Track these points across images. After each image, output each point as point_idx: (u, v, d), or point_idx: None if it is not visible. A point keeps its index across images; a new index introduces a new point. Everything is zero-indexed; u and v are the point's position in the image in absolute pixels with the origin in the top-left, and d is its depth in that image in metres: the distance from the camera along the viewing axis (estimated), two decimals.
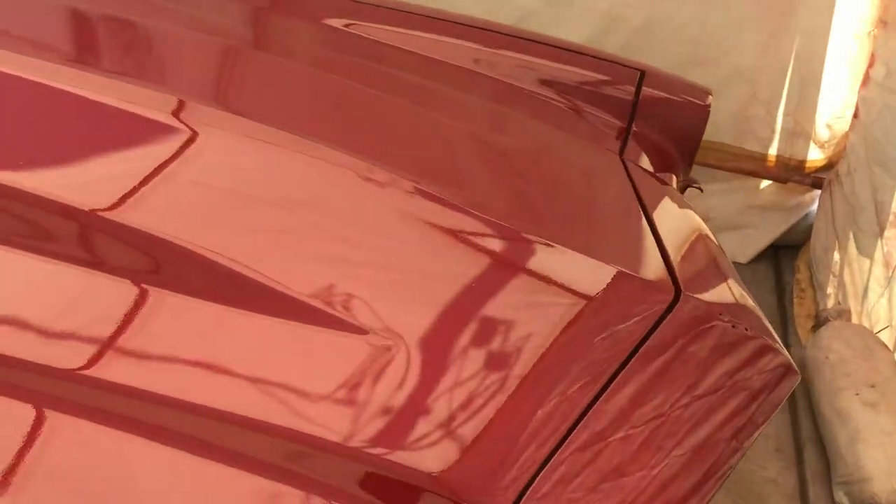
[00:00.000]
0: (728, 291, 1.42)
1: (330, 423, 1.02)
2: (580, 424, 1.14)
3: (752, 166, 2.80)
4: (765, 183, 2.84)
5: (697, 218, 1.63)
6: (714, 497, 2.24)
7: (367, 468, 0.99)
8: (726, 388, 1.26)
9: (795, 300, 2.75)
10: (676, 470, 1.18)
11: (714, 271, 1.46)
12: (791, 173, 2.77)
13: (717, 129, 2.77)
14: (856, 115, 2.58)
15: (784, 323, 2.71)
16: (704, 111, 1.89)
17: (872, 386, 2.24)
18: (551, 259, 1.31)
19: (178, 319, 1.08)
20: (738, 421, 1.25)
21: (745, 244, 2.91)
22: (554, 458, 1.10)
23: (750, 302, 1.42)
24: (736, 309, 1.36)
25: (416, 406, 1.12)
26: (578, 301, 1.27)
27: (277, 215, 1.27)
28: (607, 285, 1.30)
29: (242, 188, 1.29)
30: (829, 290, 2.67)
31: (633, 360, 1.21)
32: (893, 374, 2.27)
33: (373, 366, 1.09)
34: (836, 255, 2.67)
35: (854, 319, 2.52)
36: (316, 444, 0.99)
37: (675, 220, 1.59)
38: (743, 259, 2.91)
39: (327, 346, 1.10)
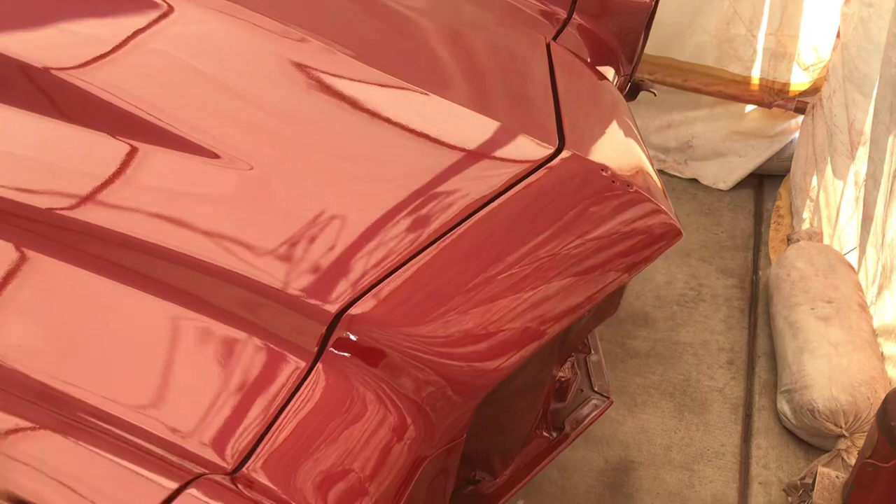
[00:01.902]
0: (624, 156, 1.43)
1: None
2: (432, 247, 1.18)
3: (735, 90, 2.76)
4: (749, 108, 2.80)
5: (621, 104, 1.64)
6: (657, 401, 2.26)
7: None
8: (600, 236, 1.29)
9: (772, 225, 2.72)
10: (537, 299, 1.21)
11: (614, 140, 1.48)
12: (775, 97, 2.72)
13: (701, 52, 2.75)
14: (838, 36, 2.52)
15: (757, 247, 2.68)
16: (646, 6, 1.89)
17: (829, 302, 2.21)
18: (428, 107, 1.35)
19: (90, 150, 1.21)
20: (606, 265, 1.27)
21: (728, 171, 2.87)
22: (401, 269, 1.15)
23: (648, 170, 1.43)
24: (625, 169, 1.38)
25: (271, 222, 1.19)
26: (448, 144, 1.31)
27: (202, 80, 1.37)
28: (483, 135, 1.34)
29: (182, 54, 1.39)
30: (806, 214, 2.63)
31: (500, 198, 1.24)
32: (852, 291, 2.24)
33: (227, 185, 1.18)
34: (814, 180, 2.63)
35: (826, 241, 2.49)
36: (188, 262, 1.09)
37: (586, 96, 1.60)
38: (725, 186, 2.88)
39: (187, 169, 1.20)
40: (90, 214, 1.15)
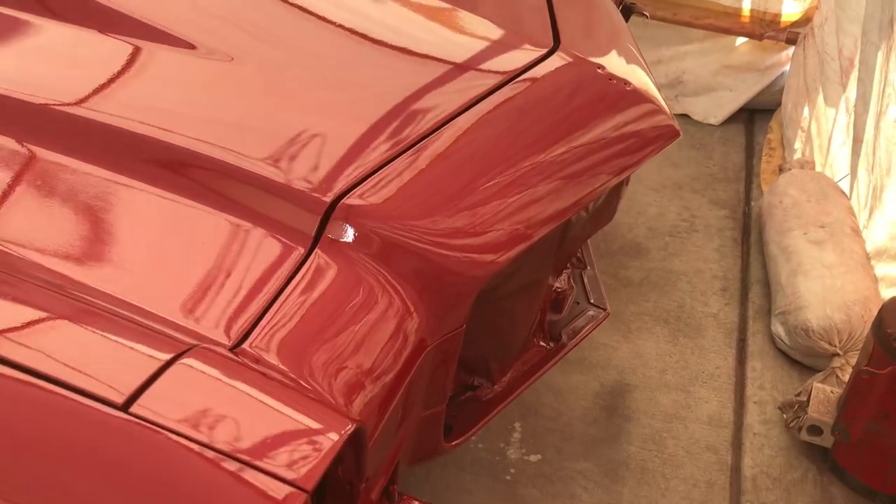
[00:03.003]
0: (620, 57, 1.41)
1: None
2: (426, 140, 1.17)
3: (726, 23, 2.74)
4: (739, 41, 2.78)
5: (615, 13, 1.61)
6: (653, 327, 2.25)
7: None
8: (599, 133, 1.28)
9: (764, 157, 2.71)
10: (534, 195, 1.20)
11: (610, 42, 1.46)
12: (766, 28, 2.70)
13: None
14: None
15: (749, 179, 2.68)
16: None
17: (822, 226, 2.21)
18: (420, 8, 1.33)
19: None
20: (603, 160, 1.26)
21: (719, 105, 2.86)
22: (395, 160, 1.14)
23: (645, 71, 1.41)
24: (621, 69, 1.36)
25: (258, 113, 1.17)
26: (441, 43, 1.30)
27: None
28: (476, 34, 1.32)
29: None
30: (797, 145, 2.62)
31: (494, 95, 1.23)
32: (845, 216, 2.24)
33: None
34: (805, 110, 2.61)
35: (818, 170, 2.49)
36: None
37: (581, 5, 1.58)
38: (715, 121, 2.87)
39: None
40: (82, 108, 1.13)
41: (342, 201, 1.08)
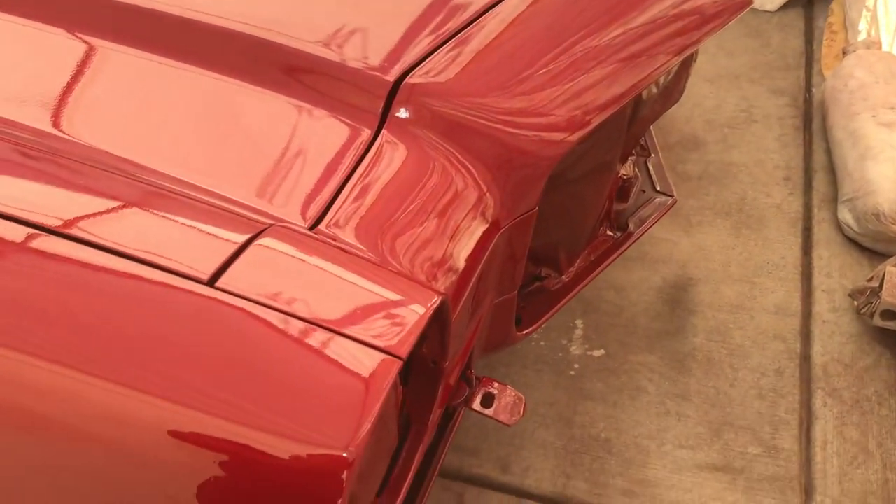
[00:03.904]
0: None
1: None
2: (489, 14, 1.12)
3: None
4: None
5: None
6: (714, 220, 2.20)
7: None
8: (659, 6, 1.21)
9: (825, 42, 2.59)
10: (605, 72, 1.14)
11: None
12: None
13: None
14: None
15: (809, 65, 2.56)
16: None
17: (892, 108, 2.11)
18: None
19: None
20: (674, 36, 1.20)
21: None
22: (458, 37, 1.09)
23: None
24: None
25: None
26: None
27: None
28: None
29: None
30: (862, 25, 2.49)
31: None
32: None
33: None
34: None
35: (885, 50, 2.37)
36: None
37: None
38: (772, 6, 2.74)
39: None
40: None
41: (406, 80, 1.04)
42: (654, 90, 1.31)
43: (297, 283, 0.77)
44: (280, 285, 0.76)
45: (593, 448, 1.72)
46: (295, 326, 0.72)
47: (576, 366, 1.86)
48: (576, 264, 1.41)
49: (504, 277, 1.14)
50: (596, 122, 1.13)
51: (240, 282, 0.75)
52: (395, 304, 0.78)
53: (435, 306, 0.77)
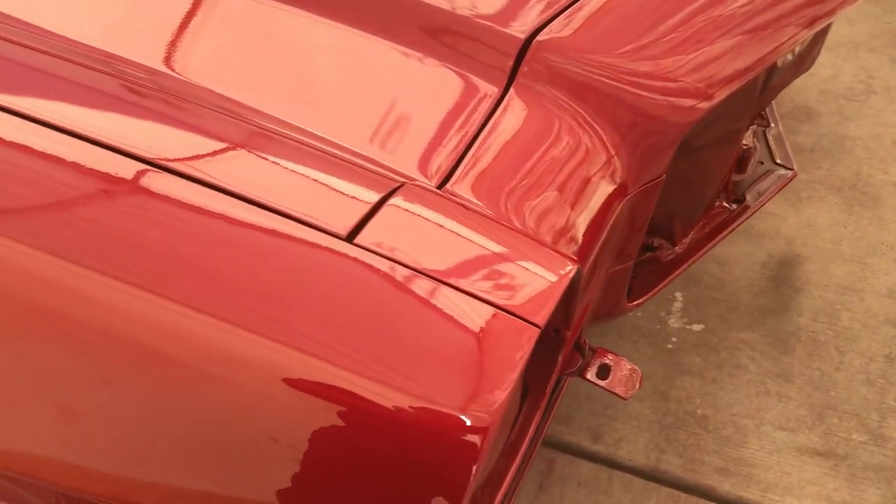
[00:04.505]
0: None
1: None
2: None
3: None
4: None
5: None
6: (825, 196, 2.11)
7: None
8: None
9: None
10: (740, 38, 1.09)
11: None
12: None
13: None
14: None
15: None
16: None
17: None
18: None
19: None
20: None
21: None
22: None
23: None
24: None
25: None
26: None
27: None
28: None
29: None
30: None
31: None
32: None
33: None
34: None
35: None
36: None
37: None
38: None
39: None
40: None
41: (536, 38, 1.01)
42: (789, 58, 1.24)
43: (434, 244, 0.76)
44: (416, 246, 0.75)
45: (689, 424, 1.69)
46: (432, 288, 0.71)
47: (674, 339, 1.81)
48: (689, 235, 1.37)
49: (622, 246, 1.11)
50: (728, 90, 1.08)
51: (377, 240, 0.74)
52: (533, 271, 0.76)
53: (571, 275, 0.75)
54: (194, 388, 0.74)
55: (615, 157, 1.01)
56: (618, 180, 1.00)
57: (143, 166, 0.80)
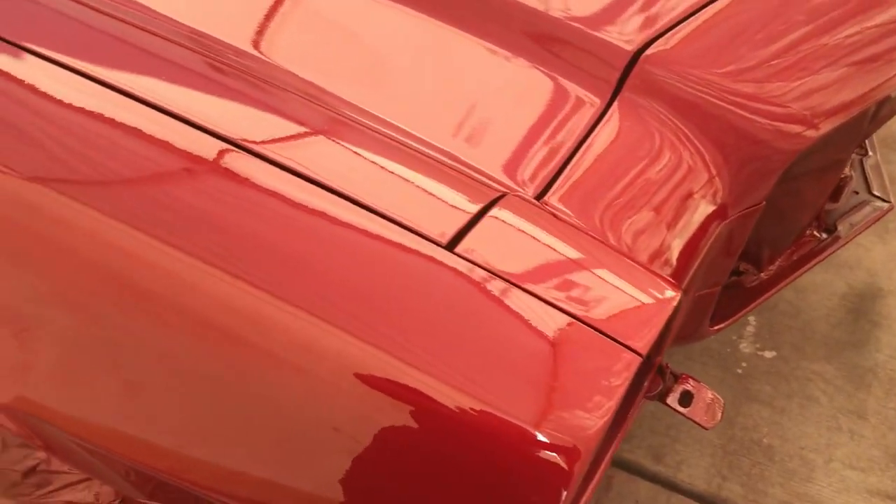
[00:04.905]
0: None
1: None
2: None
3: None
4: None
5: None
6: None
7: None
8: None
9: None
10: (857, 61, 1.05)
11: None
12: None
13: None
14: None
15: None
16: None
17: None
18: None
19: None
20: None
21: None
22: (703, 11, 1.03)
23: None
24: None
25: None
26: None
27: None
28: None
29: None
30: None
31: None
32: None
33: None
34: None
35: None
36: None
37: None
38: None
39: None
40: None
41: (645, 52, 0.98)
42: None
43: (534, 260, 0.74)
44: (516, 260, 0.73)
45: (754, 452, 1.64)
46: (532, 306, 0.69)
47: (744, 364, 1.77)
48: (777, 263, 1.32)
49: (713, 270, 1.08)
50: (837, 122, 1.04)
51: (477, 251, 0.72)
52: (636, 296, 0.73)
53: (675, 303, 0.73)
54: (264, 372, 0.74)
55: (717, 178, 0.98)
56: (718, 202, 0.97)
57: (230, 147, 0.80)
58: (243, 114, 0.87)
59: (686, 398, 1.01)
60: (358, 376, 0.70)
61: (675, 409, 1.03)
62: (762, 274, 1.32)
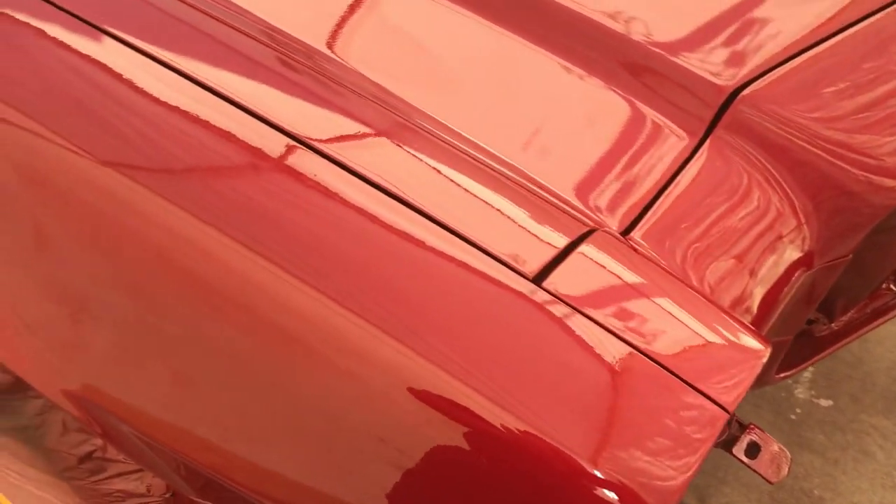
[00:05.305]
0: None
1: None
2: (836, 39, 1.02)
3: None
4: None
5: None
6: None
7: None
8: None
9: None
10: None
11: None
12: None
13: None
14: None
15: None
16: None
17: None
18: None
19: None
20: None
21: None
22: (805, 54, 1.00)
23: None
24: None
25: None
26: None
27: None
28: None
29: None
30: None
31: None
32: None
33: None
34: None
35: None
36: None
37: None
38: None
39: None
40: None
41: (743, 92, 0.96)
42: None
43: (622, 303, 0.72)
44: (605, 302, 0.71)
45: (803, 502, 1.60)
46: (620, 351, 0.67)
47: (798, 410, 1.72)
48: (849, 314, 1.29)
49: (791, 319, 1.05)
50: None
51: (564, 287, 0.71)
52: (724, 348, 0.71)
53: (764, 358, 0.71)
54: (317, 375, 0.74)
55: (805, 226, 0.95)
56: (805, 250, 0.94)
57: (297, 145, 0.80)
58: (321, 116, 0.86)
59: (753, 449, 0.98)
60: (412, 391, 0.69)
61: (740, 460, 1.00)
62: (833, 324, 1.28)
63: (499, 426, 0.66)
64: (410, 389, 0.69)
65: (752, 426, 1.01)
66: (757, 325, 0.89)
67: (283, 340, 0.75)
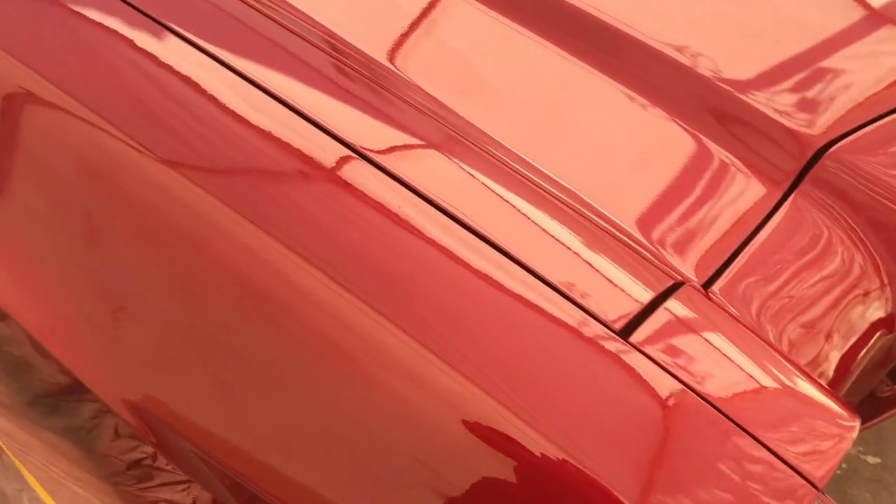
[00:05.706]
0: None
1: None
2: None
3: None
4: None
5: None
6: None
7: None
8: None
9: None
10: None
11: None
12: None
13: None
14: None
15: None
16: None
17: None
18: None
19: None
20: None
21: None
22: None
23: None
24: None
25: None
26: None
27: None
28: None
29: None
30: None
31: None
32: None
33: None
34: None
35: None
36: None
37: None
38: None
39: None
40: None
41: (833, 148, 0.94)
42: None
43: (710, 365, 0.70)
44: (692, 363, 0.69)
45: None
46: (711, 418, 0.65)
47: (844, 465, 1.68)
48: None
49: (862, 382, 1.02)
50: None
51: (651, 343, 0.69)
52: (813, 419, 0.69)
53: (854, 433, 0.68)
54: (362, 391, 0.73)
55: (888, 287, 0.92)
56: (887, 312, 0.92)
57: (367, 163, 0.79)
58: (396, 137, 0.85)
59: None
60: (463, 420, 0.68)
61: None
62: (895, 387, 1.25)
63: (552, 465, 0.64)
64: (462, 418, 0.68)
65: (823, 497, 0.99)
66: (833, 388, 0.87)
67: (331, 353, 0.74)
